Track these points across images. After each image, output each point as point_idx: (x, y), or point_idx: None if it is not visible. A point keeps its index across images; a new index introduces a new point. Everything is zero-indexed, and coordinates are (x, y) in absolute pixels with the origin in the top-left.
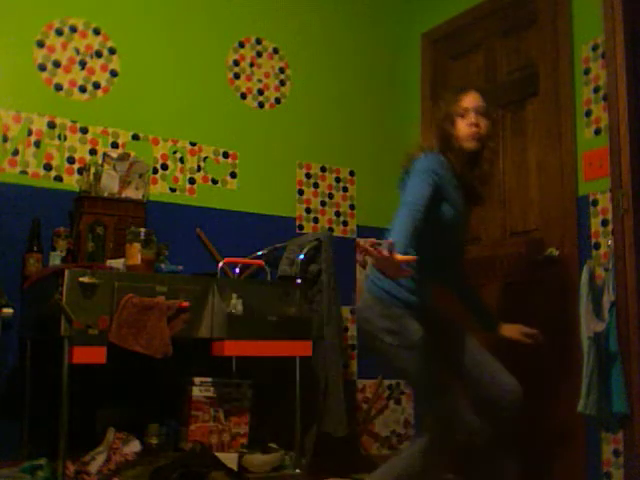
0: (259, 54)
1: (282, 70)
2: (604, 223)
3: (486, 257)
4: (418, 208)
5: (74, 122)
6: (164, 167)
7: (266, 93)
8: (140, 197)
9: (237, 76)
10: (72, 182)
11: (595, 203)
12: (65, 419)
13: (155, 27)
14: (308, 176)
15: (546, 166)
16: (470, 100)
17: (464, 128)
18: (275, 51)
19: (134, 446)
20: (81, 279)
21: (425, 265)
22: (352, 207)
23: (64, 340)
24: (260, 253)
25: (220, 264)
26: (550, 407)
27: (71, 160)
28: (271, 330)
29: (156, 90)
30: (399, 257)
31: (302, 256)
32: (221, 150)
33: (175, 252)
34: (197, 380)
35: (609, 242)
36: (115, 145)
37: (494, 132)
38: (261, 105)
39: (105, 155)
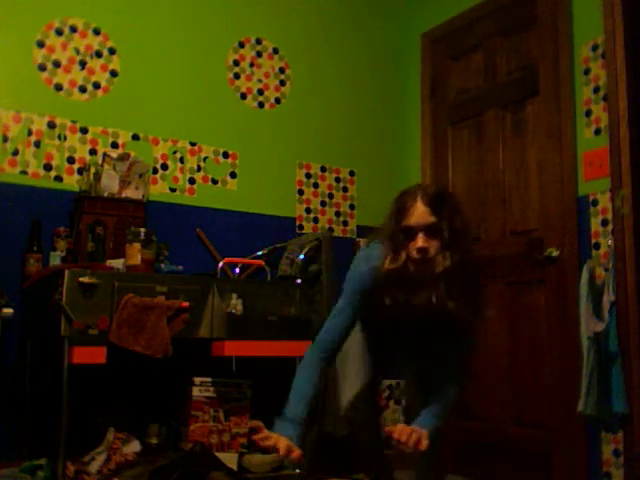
0: (259, 54)
1: (282, 70)
2: (604, 223)
3: (486, 257)
4: (322, 348)
5: (74, 122)
6: (164, 167)
7: (266, 93)
8: (140, 197)
9: (237, 76)
10: (72, 182)
11: (595, 203)
12: (65, 419)
13: (155, 27)
14: (308, 176)
15: (546, 166)
16: (417, 217)
17: (410, 250)
18: (275, 51)
19: (134, 446)
20: (81, 279)
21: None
22: (352, 207)
23: (64, 340)
24: (260, 253)
25: (220, 264)
26: (550, 407)
27: (71, 160)
28: (271, 330)
29: (156, 90)
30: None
31: (302, 256)
32: (221, 150)
33: (175, 252)
34: (197, 380)
35: (609, 242)
36: (115, 145)
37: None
38: (261, 105)
39: (105, 155)
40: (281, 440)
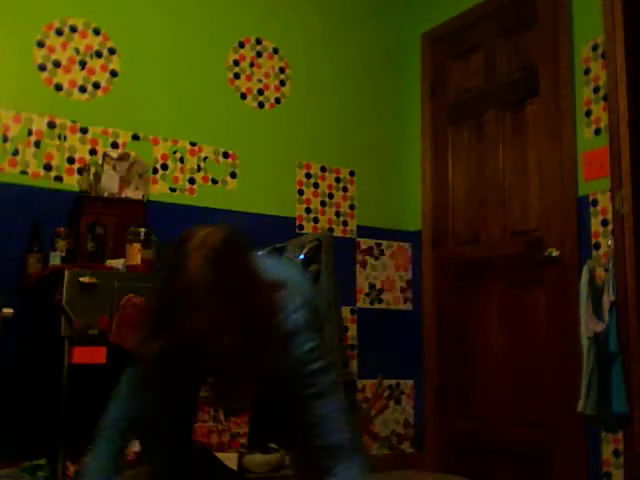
0: (259, 54)
1: (282, 70)
2: (604, 223)
3: (486, 257)
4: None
5: (74, 122)
6: (164, 167)
7: (266, 93)
8: (140, 197)
9: (237, 76)
10: (72, 182)
11: (595, 203)
12: (65, 419)
13: (155, 27)
14: (308, 176)
15: (546, 166)
16: (187, 276)
17: (178, 324)
18: (275, 51)
19: (134, 446)
20: (81, 279)
21: None
22: (352, 207)
23: (64, 340)
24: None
25: None
26: (550, 407)
27: (71, 160)
28: None
29: (156, 90)
30: None
31: (302, 256)
32: (221, 150)
33: None
34: None
35: (609, 242)
36: (115, 145)
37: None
38: (261, 105)
39: (105, 155)
40: None
